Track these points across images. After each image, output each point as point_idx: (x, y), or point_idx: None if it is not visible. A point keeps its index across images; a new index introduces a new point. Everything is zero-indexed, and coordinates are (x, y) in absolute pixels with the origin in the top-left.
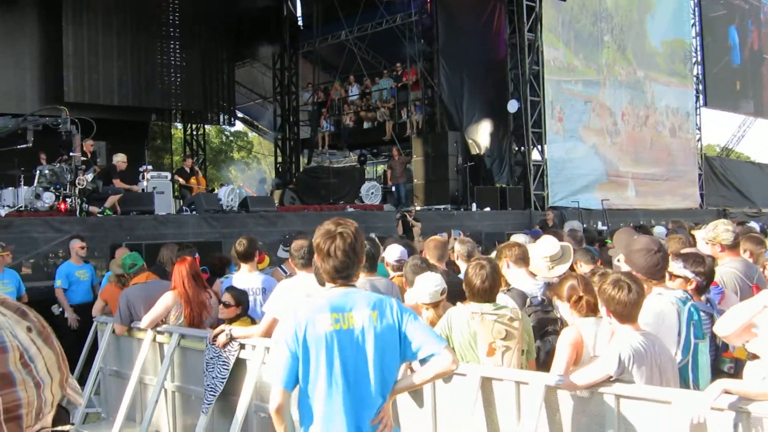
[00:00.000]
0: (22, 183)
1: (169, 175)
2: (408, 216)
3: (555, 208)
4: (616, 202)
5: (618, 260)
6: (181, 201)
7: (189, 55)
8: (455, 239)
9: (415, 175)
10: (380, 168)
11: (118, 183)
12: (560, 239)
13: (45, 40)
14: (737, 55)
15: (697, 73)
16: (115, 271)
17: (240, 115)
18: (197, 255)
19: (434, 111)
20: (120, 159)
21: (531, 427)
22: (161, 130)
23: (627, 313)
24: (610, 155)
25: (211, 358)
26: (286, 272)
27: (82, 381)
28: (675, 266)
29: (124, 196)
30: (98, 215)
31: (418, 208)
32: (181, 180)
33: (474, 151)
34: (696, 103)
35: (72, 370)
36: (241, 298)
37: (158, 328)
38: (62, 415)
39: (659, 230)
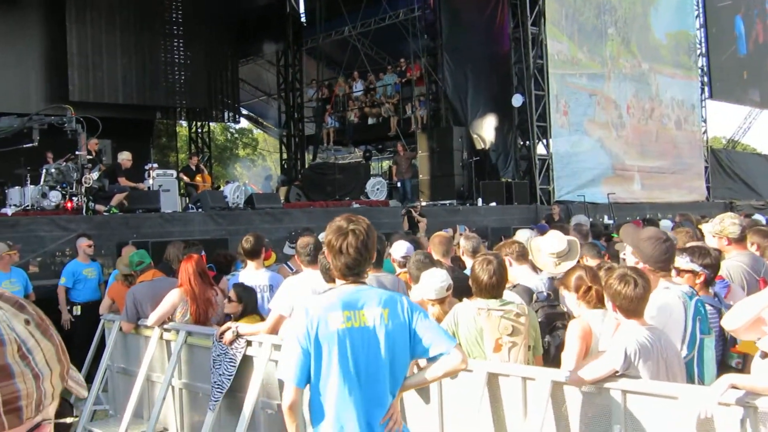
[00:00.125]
0: (29, 182)
1: (174, 172)
2: (413, 212)
3: (561, 203)
4: (622, 195)
5: (624, 255)
6: (187, 199)
7: (193, 53)
8: (461, 235)
9: (420, 170)
10: (385, 164)
11: (123, 181)
12: (566, 234)
13: (49, 40)
14: (743, 44)
15: (702, 65)
16: (122, 270)
17: (244, 112)
18: (203, 252)
19: (439, 106)
20: (125, 157)
21: (537, 423)
22: (166, 128)
23: (633, 308)
24: (615, 149)
25: (218, 356)
26: (292, 269)
27: (89, 379)
28: (681, 261)
29: (130, 194)
30: (104, 213)
31: (423, 203)
32: (185, 178)
33: (479, 145)
34: (701, 95)
35: (80, 368)
36: (243, 295)
37: (165, 326)
38: (66, 407)
39: (665, 224)
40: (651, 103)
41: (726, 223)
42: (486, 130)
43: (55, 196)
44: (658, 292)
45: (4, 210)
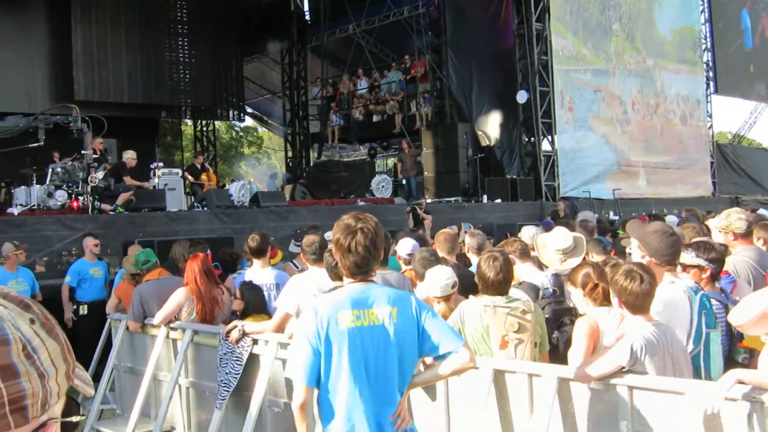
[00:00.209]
0: (35, 182)
1: (180, 171)
2: (418, 209)
3: (566, 199)
4: (627, 191)
5: (630, 249)
6: (193, 197)
7: (197, 52)
8: (465, 232)
9: (425, 167)
10: (390, 161)
11: (128, 180)
12: (572, 230)
13: (54, 39)
14: (749, 38)
15: (707, 60)
16: (128, 270)
17: (249, 110)
18: (209, 251)
19: (443, 103)
20: (130, 156)
21: (544, 420)
22: (171, 126)
23: (639, 303)
24: (620, 144)
25: (225, 354)
26: (297, 267)
27: (96, 378)
28: (687, 257)
29: (136, 193)
30: (110, 213)
31: (428, 200)
32: (190, 178)
33: (484, 142)
34: (707, 90)
35: (87, 367)
36: (246, 294)
37: (171, 325)
38: (72, 406)
39: (671, 219)
40: (656, 99)
41: (732, 218)
42: (491, 126)
43: (60, 196)
44: (664, 286)
45: (10, 210)
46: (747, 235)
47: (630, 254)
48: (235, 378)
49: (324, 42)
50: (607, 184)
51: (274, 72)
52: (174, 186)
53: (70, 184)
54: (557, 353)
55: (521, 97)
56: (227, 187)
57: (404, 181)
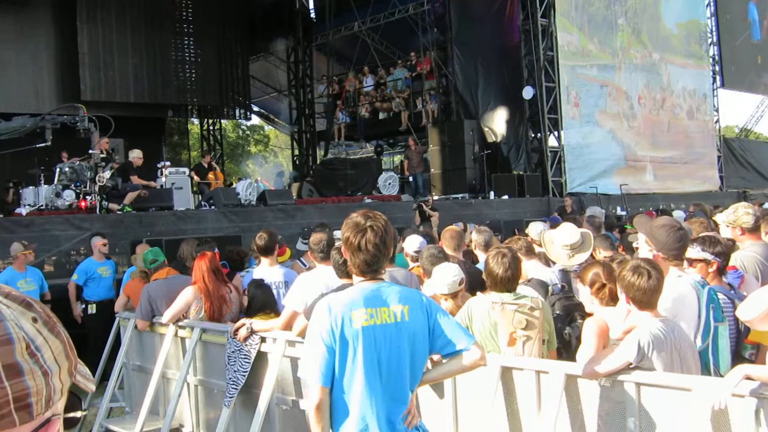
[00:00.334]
0: (43, 182)
1: (187, 170)
2: (424, 206)
3: (573, 195)
4: (634, 186)
5: (637, 244)
6: (200, 196)
7: (203, 51)
8: (470, 232)
9: (432, 164)
10: (397, 158)
11: (135, 179)
12: (579, 226)
13: (60, 39)
14: (757, 31)
15: (714, 54)
16: (140, 266)
17: (256, 109)
18: (216, 250)
19: (449, 100)
20: (136, 155)
21: (552, 416)
22: (178, 125)
23: (647, 299)
24: (627, 139)
25: (233, 352)
26: (305, 265)
27: (105, 376)
28: (692, 251)
29: (147, 188)
30: (118, 212)
31: (436, 197)
32: (196, 177)
33: (490, 138)
34: (713, 84)
35: (96, 366)
36: (254, 292)
37: (180, 323)
38: (74, 402)
39: (678, 214)
40: (662, 93)
41: (740, 213)
42: (497, 122)
43: (68, 195)
44: (672, 280)
45: (18, 210)
46: (755, 230)
47: (637, 249)
48: (244, 376)
49: (329, 40)
50: (614, 179)
51: (280, 70)
52: (181, 185)
53: (78, 184)
54: (570, 349)
55: (527, 93)
56: (234, 185)
57: (411, 178)
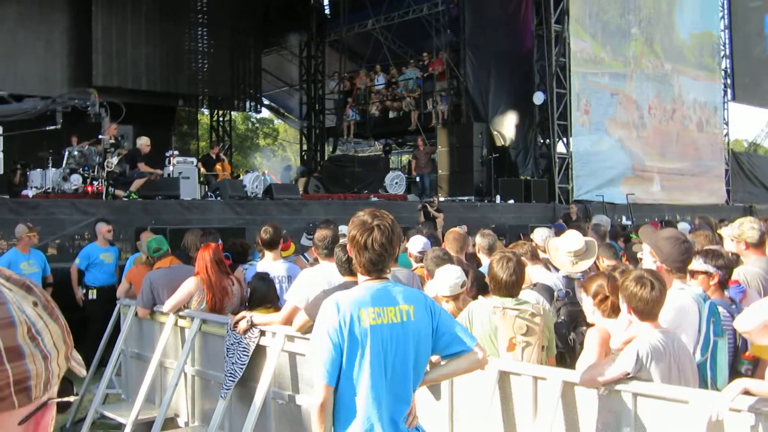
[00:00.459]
0: (50, 165)
1: (195, 160)
2: (429, 207)
3: (579, 202)
4: (641, 196)
5: (641, 255)
6: (206, 186)
7: (216, 42)
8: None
9: (439, 165)
10: (405, 158)
11: (143, 167)
12: (584, 234)
13: (75, 24)
14: None
15: (726, 67)
16: (145, 252)
17: (266, 102)
18: (220, 241)
19: (460, 102)
20: (143, 142)
21: (547, 423)
22: (188, 115)
23: (648, 310)
24: (636, 149)
25: (232, 344)
26: (308, 260)
27: (103, 362)
28: (695, 263)
29: (154, 178)
30: (124, 199)
31: (442, 199)
32: (202, 169)
33: (499, 142)
34: (724, 97)
35: (94, 352)
36: (257, 285)
37: (180, 313)
38: (67, 386)
39: (683, 226)
40: (673, 104)
41: (745, 227)
42: (506, 127)
43: (76, 180)
44: (674, 292)
45: (25, 192)
46: (759, 245)
47: (641, 259)
48: (241, 368)
49: (343, 36)
50: (621, 188)
51: (293, 65)
52: (188, 175)
53: (86, 168)
54: (574, 354)
55: (538, 98)
56: (241, 177)
57: (418, 179)
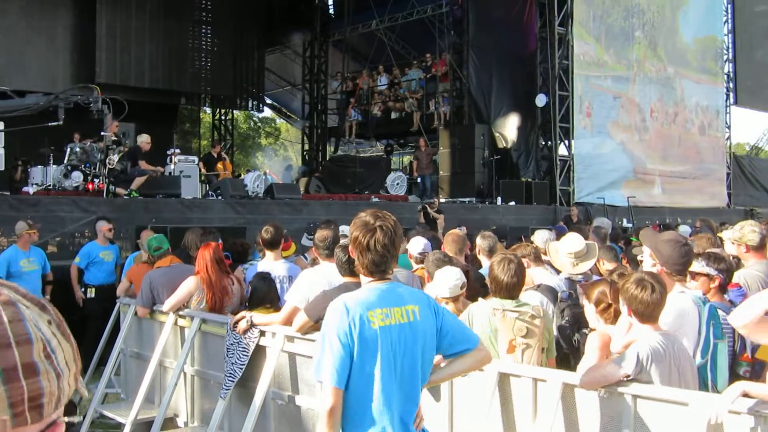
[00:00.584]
0: (52, 162)
1: (196, 159)
2: (429, 208)
3: (580, 204)
4: (642, 199)
5: (641, 257)
6: (208, 185)
7: (220, 40)
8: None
9: (441, 166)
10: (406, 159)
11: (143, 165)
12: (585, 236)
13: (78, 21)
14: None
15: (728, 71)
16: (145, 250)
17: (269, 101)
18: (220, 240)
19: (462, 103)
20: (144, 140)
21: (547, 425)
22: (190, 114)
23: (649, 312)
24: (637, 152)
25: (232, 344)
26: (308, 260)
27: (102, 361)
28: (696, 265)
29: (154, 176)
30: (125, 197)
31: (443, 200)
32: (203, 169)
33: (501, 144)
34: (726, 101)
35: (94, 350)
36: (257, 284)
37: (180, 312)
38: (70, 407)
39: (684, 229)
40: (675, 108)
41: (746, 231)
42: (508, 128)
43: (77, 177)
44: (674, 295)
45: (26, 188)
46: (760, 248)
47: (641, 262)
48: (241, 369)
49: (346, 37)
50: (622, 191)
51: (296, 64)
52: (189, 173)
53: (88, 165)
54: (578, 355)
55: (540, 100)
56: (242, 177)
57: (419, 180)
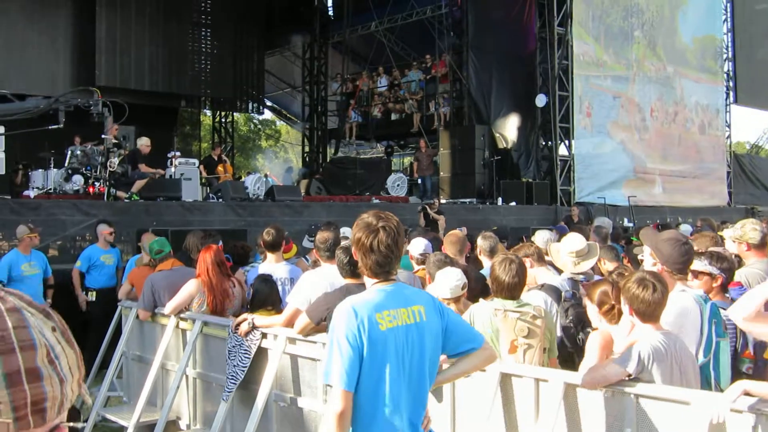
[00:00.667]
0: (52, 165)
1: (197, 161)
2: (429, 209)
3: (581, 204)
4: (643, 198)
5: (642, 257)
6: (208, 188)
7: (220, 43)
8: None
9: (441, 167)
10: (407, 160)
11: (144, 168)
12: (586, 236)
13: (78, 24)
14: None
15: (728, 70)
16: (147, 254)
17: (269, 103)
18: (221, 243)
19: (462, 104)
20: (143, 143)
21: (549, 425)
22: (190, 116)
23: (650, 312)
24: (637, 151)
25: (233, 347)
26: (309, 262)
27: (105, 364)
28: (698, 264)
29: (155, 179)
30: (125, 200)
31: (443, 201)
32: (204, 172)
33: (501, 145)
34: (726, 99)
35: (96, 354)
36: (259, 286)
37: (182, 315)
38: (74, 413)
39: (685, 228)
40: (675, 107)
41: (747, 229)
42: (508, 129)
43: (77, 180)
44: (675, 294)
45: (26, 192)
46: (761, 247)
47: (642, 261)
48: (243, 371)
49: (346, 38)
50: (622, 190)
51: (295, 66)
52: (190, 176)
53: (88, 168)
54: (582, 355)
55: (540, 100)
56: (243, 179)
57: (420, 181)
